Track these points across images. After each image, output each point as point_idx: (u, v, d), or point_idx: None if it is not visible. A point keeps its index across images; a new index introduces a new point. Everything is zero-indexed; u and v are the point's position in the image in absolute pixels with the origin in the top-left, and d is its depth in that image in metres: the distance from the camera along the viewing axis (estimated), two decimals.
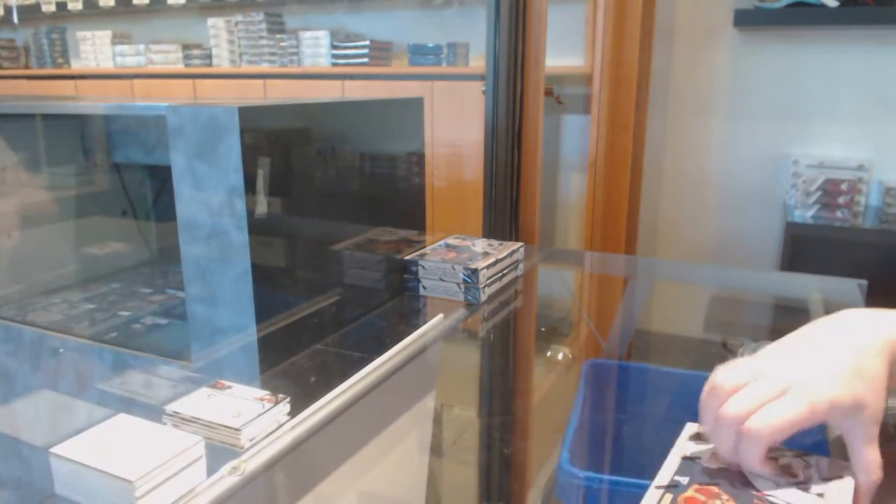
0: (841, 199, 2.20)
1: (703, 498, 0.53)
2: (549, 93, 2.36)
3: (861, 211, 2.21)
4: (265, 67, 3.18)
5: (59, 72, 3.97)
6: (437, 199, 2.54)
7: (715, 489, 0.54)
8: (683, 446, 0.61)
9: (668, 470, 0.57)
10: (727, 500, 0.53)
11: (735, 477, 0.56)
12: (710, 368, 0.61)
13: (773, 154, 2.46)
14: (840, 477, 0.55)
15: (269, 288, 0.90)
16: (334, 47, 3.00)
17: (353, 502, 0.75)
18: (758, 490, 0.54)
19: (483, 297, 1.16)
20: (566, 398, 0.84)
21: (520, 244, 1.32)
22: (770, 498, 0.53)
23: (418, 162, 1.27)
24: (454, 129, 2.52)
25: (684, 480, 0.55)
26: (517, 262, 1.31)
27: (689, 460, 0.59)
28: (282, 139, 0.91)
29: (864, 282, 1.28)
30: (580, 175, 2.77)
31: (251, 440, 0.70)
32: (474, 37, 2.85)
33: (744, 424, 0.53)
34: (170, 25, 3.69)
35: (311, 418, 0.75)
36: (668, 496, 0.53)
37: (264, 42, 3.18)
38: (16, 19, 4.16)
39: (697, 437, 0.62)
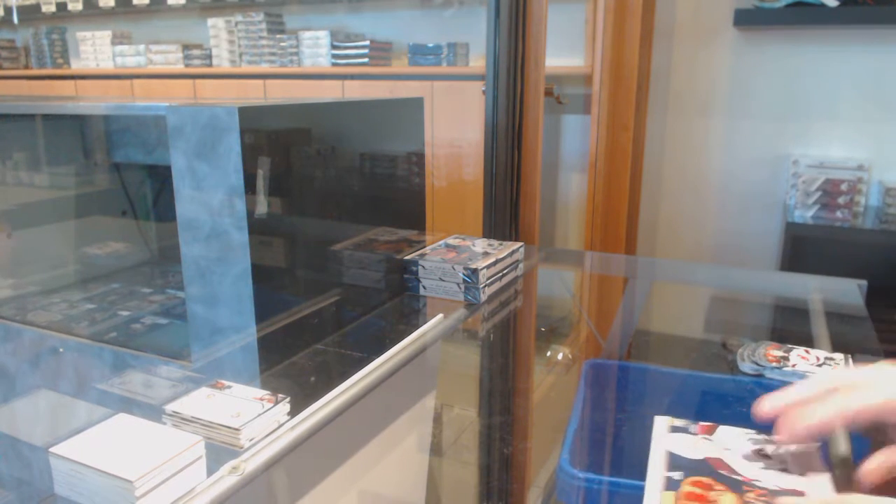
0: (841, 199, 2.20)
1: (699, 491, 0.54)
2: (549, 93, 2.36)
3: (861, 211, 2.21)
4: (265, 67, 3.18)
5: (59, 72, 3.97)
6: (437, 199, 2.54)
7: (707, 479, 0.55)
8: (662, 441, 0.62)
9: (657, 467, 0.58)
10: (722, 490, 0.54)
11: (720, 466, 0.58)
12: (710, 368, 0.61)
13: (773, 154, 2.46)
14: (808, 455, 0.57)
15: (268, 288, 0.90)
16: (334, 47, 3.00)
17: (353, 502, 0.75)
18: (744, 476, 0.56)
19: (483, 297, 1.16)
20: (566, 398, 0.84)
21: (520, 244, 1.32)
22: (756, 483, 0.55)
23: (418, 162, 1.27)
24: (454, 129, 2.52)
25: (677, 475, 0.56)
26: (517, 262, 1.30)
27: (673, 455, 0.60)
28: (282, 139, 0.91)
29: (864, 282, 1.28)
30: (580, 175, 2.77)
31: (251, 440, 0.70)
32: (474, 37, 2.85)
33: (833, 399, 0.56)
34: (170, 25, 3.69)
35: (311, 418, 0.75)
36: (669, 494, 0.54)
37: (264, 42, 3.18)
38: (16, 20, 4.16)
39: (673, 430, 0.64)
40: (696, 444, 0.60)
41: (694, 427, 0.64)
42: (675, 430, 0.64)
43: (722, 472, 0.56)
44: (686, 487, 0.55)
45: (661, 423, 0.65)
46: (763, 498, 0.53)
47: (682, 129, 2.59)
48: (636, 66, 2.27)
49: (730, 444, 0.61)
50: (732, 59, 2.46)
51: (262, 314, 0.88)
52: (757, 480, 0.55)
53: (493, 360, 1.09)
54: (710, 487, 0.54)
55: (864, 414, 0.55)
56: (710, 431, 0.63)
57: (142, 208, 1.44)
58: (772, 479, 0.55)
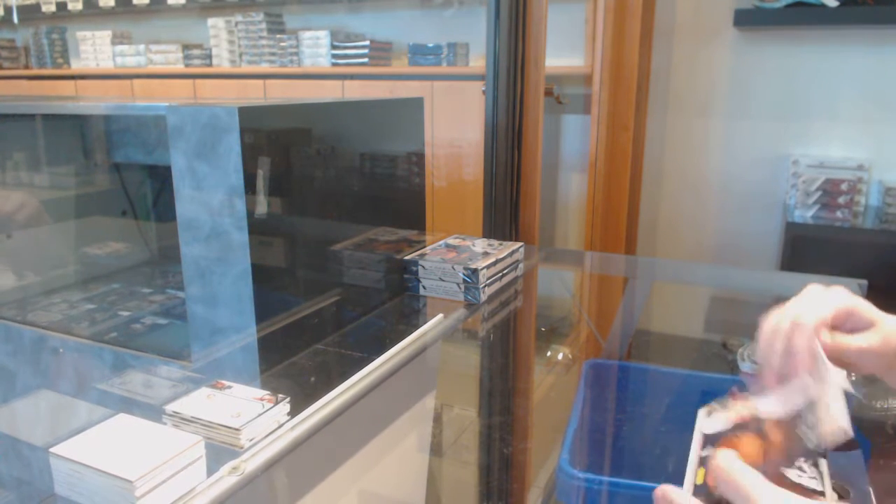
0: (841, 199, 2.20)
1: (725, 448, 0.55)
2: (549, 93, 2.36)
3: (861, 211, 2.21)
4: (265, 67, 3.18)
5: (59, 72, 3.97)
6: (437, 199, 2.54)
7: (733, 438, 0.57)
8: (702, 426, 0.63)
9: (693, 451, 0.59)
10: (744, 435, 0.55)
11: (746, 420, 0.59)
12: (710, 368, 0.61)
13: (773, 154, 2.46)
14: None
15: (269, 288, 0.90)
16: (334, 47, 3.00)
17: (353, 502, 0.75)
18: (767, 415, 0.57)
19: (483, 297, 1.16)
20: (566, 398, 0.84)
21: (520, 244, 1.32)
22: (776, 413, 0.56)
23: (418, 162, 1.27)
24: (454, 129, 2.52)
25: (707, 452, 0.57)
26: (517, 262, 1.30)
27: (709, 436, 0.60)
28: (282, 139, 0.91)
29: (864, 282, 1.28)
30: (580, 175, 2.77)
31: (251, 440, 0.70)
32: (474, 37, 2.85)
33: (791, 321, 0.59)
34: (170, 25, 3.69)
35: (311, 418, 0.75)
36: (702, 470, 0.54)
37: (264, 42, 3.18)
38: (16, 19, 4.16)
39: (711, 413, 0.64)
40: (730, 416, 0.61)
41: (730, 401, 0.65)
42: (711, 413, 0.64)
43: (748, 423, 0.58)
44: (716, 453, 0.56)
45: (701, 413, 0.66)
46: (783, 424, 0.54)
47: (682, 129, 2.59)
48: (636, 66, 2.27)
49: (763, 404, 0.61)
50: (732, 59, 2.46)
51: (262, 314, 0.88)
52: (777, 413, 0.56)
53: (493, 360, 1.09)
54: (736, 441, 0.55)
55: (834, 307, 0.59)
56: (746, 398, 0.63)
57: (142, 208, 1.44)
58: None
